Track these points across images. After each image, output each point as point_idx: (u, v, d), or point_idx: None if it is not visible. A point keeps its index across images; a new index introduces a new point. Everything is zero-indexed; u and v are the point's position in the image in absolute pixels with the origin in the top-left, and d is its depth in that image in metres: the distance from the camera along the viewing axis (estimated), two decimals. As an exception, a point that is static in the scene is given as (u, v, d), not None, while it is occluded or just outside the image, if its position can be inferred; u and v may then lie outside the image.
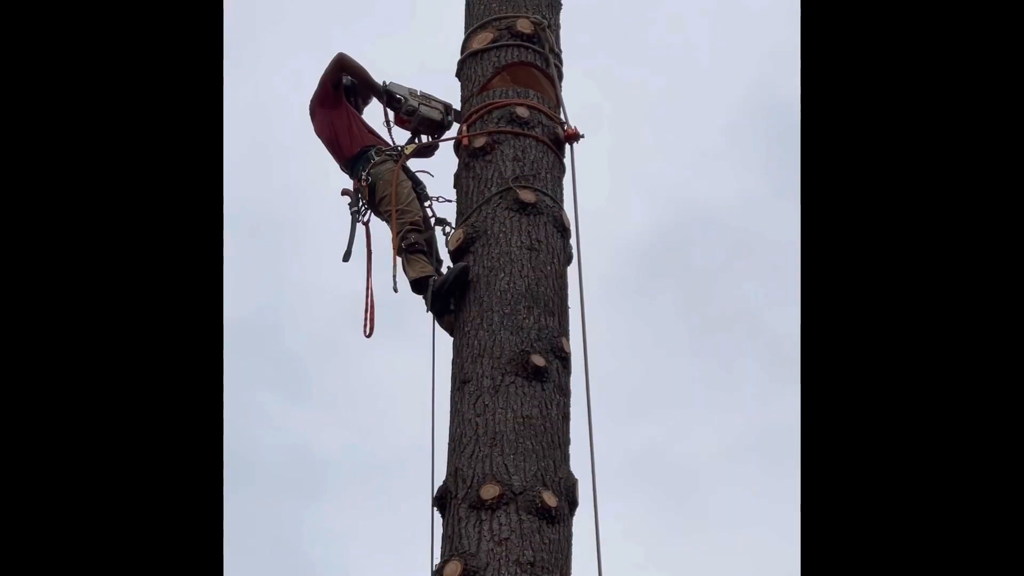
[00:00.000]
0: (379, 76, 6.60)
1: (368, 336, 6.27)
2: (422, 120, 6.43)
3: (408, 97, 6.45)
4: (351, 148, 6.57)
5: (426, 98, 6.47)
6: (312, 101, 6.68)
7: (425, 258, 6.14)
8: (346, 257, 6.39)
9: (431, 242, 6.30)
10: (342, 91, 6.63)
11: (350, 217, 6.47)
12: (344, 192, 6.56)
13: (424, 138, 6.56)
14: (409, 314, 6.29)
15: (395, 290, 6.17)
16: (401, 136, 6.64)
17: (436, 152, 6.56)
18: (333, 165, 6.74)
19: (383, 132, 6.65)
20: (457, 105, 6.46)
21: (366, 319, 6.28)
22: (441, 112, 6.42)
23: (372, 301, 6.30)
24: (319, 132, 6.69)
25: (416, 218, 6.29)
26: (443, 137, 6.49)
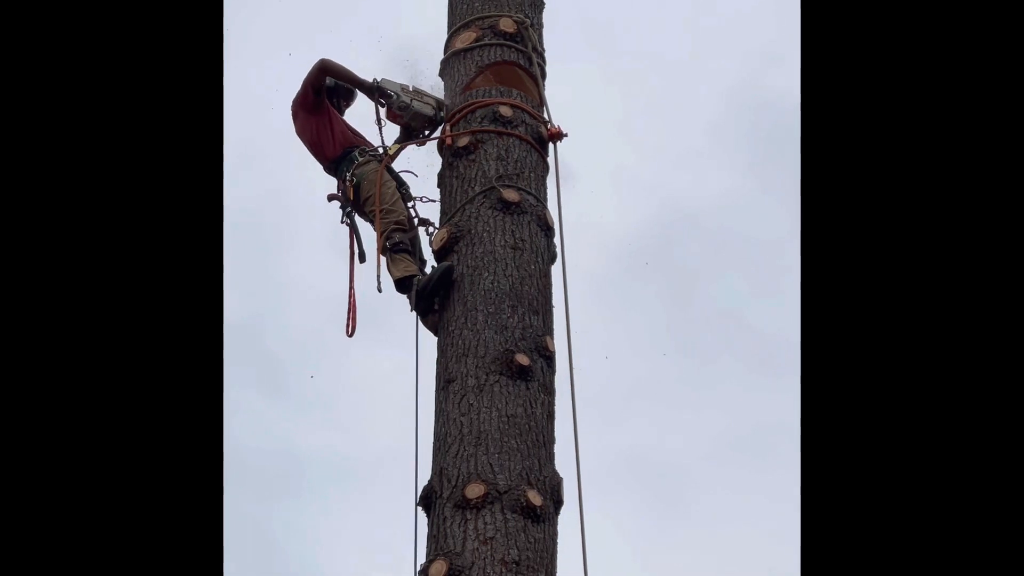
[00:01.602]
0: (366, 75, 6.58)
1: (350, 336, 6.29)
2: (414, 115, 6.42)
3: (400, 93, 6.43)
4: (334, 150, 6.58)
5: (418, 93, 6.46)
6: (294, 104, 6.68)
7: (410, 257, 6.15)
8: (362, 258, 6.38)
9: (415, 242, 6.30)
10: (324, 95, 6.63)
11: (347, 219, 6.47)
12: (331, 197, 6.56)
13: (416, 133, 6.54)
14: (392, 314, 6.29)
15: (379, 290, 6.18)
16: (389, 135, 6.63)
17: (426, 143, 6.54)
18: (317, 167, 6.74)
19: (372, 130, 6.65)
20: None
21: (349, 318, 6.28)
22: (433, 107, 6.41)
23: (355, 301, 6.31)
24: (300, 134, 6.69)
25: (401, 217, 6.30)
26: (426, 137, 6.48)
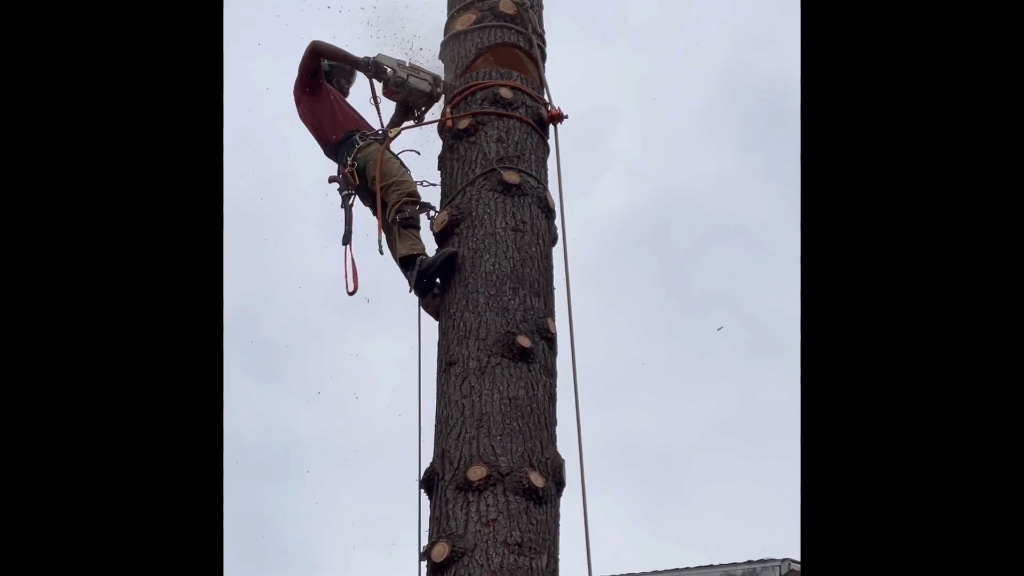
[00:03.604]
0: (363, 54, 6.54)
1: (351, 293, 6.23)
2: (411, 91, 6.38)
3: (396, 68, 6.39)
4: (335, 134, 6.55)
5: (415, 69, 6.40)
6: (294, 89, 6.65)
7: (417, 234, 6.12)
8: (346, 239, 6.35)
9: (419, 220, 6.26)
10: (321, 77, 6.60)
11: (346, 205, 6.44)
12: (331, 179, 6.53)
13: (417, 112, 6.48)
14: (387, 299, 6.28)
15: (380, 252, 6.14)
16: (388, 111, 6.60)
17: (423, 117, 6.48)
18: (312, 152, 6.72)
19: (370, 109, 6.62)
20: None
21: (347, 278, 6.23)
22: (430, 83, 6.36)
23: (354, 264, 6.26)
24: (302, 118, 6.67)
25: (413, 188, 6.25)
26: (427, 120, 6.46)
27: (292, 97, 6.66)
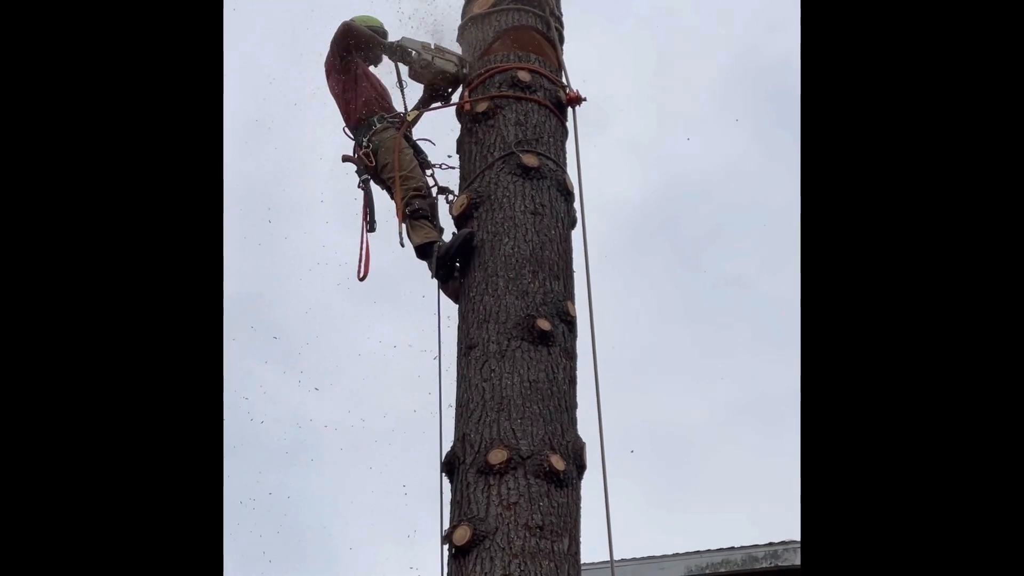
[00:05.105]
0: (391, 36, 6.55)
1: (362, 279, 6.24)
2: (437, 72, 6.35)
3: (421, 51, 6.37)
4: (357, 114, 6.55)
5: (440, 51, 6.38)
6: (325, 63, 6.67)
7: (429, 224, 6.13)
8: (372, 227, 6.36)
9: (434, 209, 6.28)
10: (351, 57, 6.60)
11: (362, 185, 6.45)
12: (346, 159, 6.53)
13: (440, 92, 6.46)
14: (402, 285, 6.28)
15: (401, 244, 6.15)
16: (413, 94, 6.60)
17: (450, 99, 6.47)
18: (326, 138, 6.73)
19: (396, 92, 6.62)
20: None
21: (361, 263, 6.24)
22: (456, 64, 6.34)
23: (368, 248, 6.26)
24: (331, 92, 6.69)
25: (419, 184, 6.27)
26: (444, 103, 6.45)
27: (324, 70, 6.68)
